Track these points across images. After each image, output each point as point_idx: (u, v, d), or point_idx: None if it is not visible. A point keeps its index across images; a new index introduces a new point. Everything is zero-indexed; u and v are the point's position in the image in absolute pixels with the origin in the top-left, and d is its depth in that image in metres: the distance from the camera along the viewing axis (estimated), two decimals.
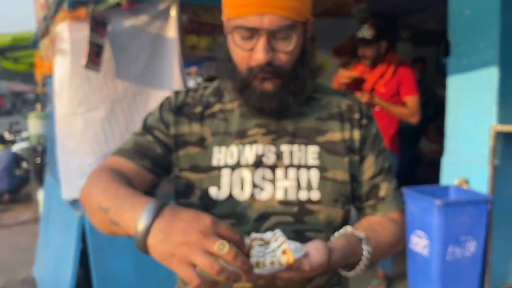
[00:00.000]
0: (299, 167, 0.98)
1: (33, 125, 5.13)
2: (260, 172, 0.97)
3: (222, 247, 0.68)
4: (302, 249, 0.81)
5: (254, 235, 0.83)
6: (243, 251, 0.73)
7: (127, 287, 2.62)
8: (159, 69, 2.65)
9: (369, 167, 1.03)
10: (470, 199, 2.76)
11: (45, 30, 3.19)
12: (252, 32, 0.91)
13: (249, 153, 0.98)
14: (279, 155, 0.99)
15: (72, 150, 2.57)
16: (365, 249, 0.92)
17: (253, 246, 0.79)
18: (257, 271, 0.75)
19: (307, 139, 1.00)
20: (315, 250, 0.83)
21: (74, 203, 2.79)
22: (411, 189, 2.95)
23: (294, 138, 1.00)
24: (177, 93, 1.09)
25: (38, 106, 5.32)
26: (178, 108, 1.04)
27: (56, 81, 2.60)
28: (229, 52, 0.98)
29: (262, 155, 0.98)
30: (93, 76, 2.49)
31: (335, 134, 1.01)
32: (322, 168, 0.98)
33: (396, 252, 1.08)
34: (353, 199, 1.04)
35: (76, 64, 2.47)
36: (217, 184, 0.97)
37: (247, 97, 0.97)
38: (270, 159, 0.98)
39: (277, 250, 0.78)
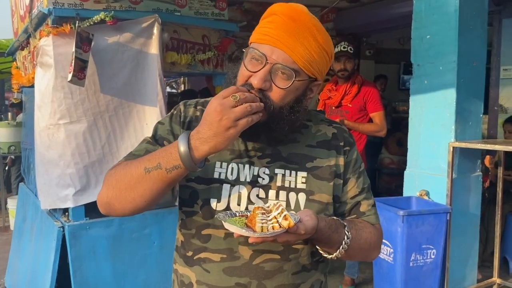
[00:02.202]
0: (289, 190, 1.11)
1: (3, 134, 5.07)
2: (255, 190, 1.10)
3: (235, 97, 0.92)
4: (297, 217, 0.96)
5: (257, 205, 0.97)
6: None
7: None
8: (141, 84, 2.74)
9: (351, 188, 1.17)
10: (431, 209, 2.99)
11: (25, 42, 3.22)
12: (261, 59, 1.02)
13: (247, 172, 1.11)
14: (272, 178, 1.11)
15: (53, 160, 2.61)
16: (347, 234, 1.05)
17: (257, 214, 0.93)
18: (262, 234, 0.90)
19: (298, 165, 1.13)
20: (307, 217, 0.97)
21: (53, 213, 2.83)
22: (376, 199, 3.14)
23: (287, 163, 1.12)
24: (186, 104, 1.20)
25: (9, 114, 5.25)
26: (189, 122, 1.16)
27: (37, 93, 2.63)
28: (237, 71, 1.10)
29: (258, 176, 1.11)
30: (75, 90, 2.55)
31: (323, 161, 1.14)
32: (309, 192, 1.11)
33: (373, 257, 1.21)
34: (335, 214, 1.16)
35: (59, 77, 2.52)
36: (217, 196, 1.09)
37: None
38: (264, 180, 1.11)
39: (279, 216, 0.92)
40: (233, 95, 0.92)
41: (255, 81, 1.01)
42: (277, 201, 1.00)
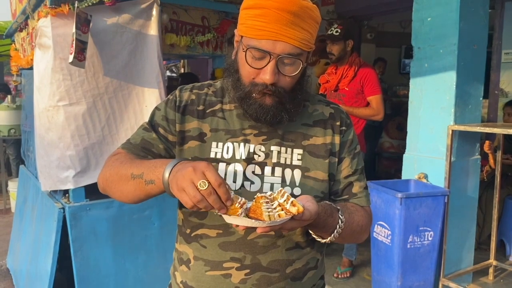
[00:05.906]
0: (284, 166, 1.12)
1: (3, 117, 5.07)
2: (251, 167, 1.11)
3: (203, 185, 0.86)
4: (300, 203, 0.95)
5: (259, 194, 0.95)
6: (223, 196, 0.88)
7: (107, 276, 2.70)
8: (140, 66, 2.73)
9: (345, 168, 1.18)
10: (429, 192, 3.01)
11: (23, 23, 3.20)
12: (264, 54, 1.03)
13: (243, 150, 1.12)
14: (268, 154, 1.13)
15: (52, 142, 2.61)
16: (340, 218, 1.06)
17: (261, 204, 0.92)
18: (271, 223, 0.90)
19: (293, 143, 1.15)
20: (308, 202, 0.97)
21: (54, 195, 2.84)
22: (375, 182, 3.17)
23: (283, 140, 1.14)
24: (182, 89, 1.22)
25: (9, 97, 5.24)
26: (184, 106, 1.17)
27: (36, 75, 2.63)
28: (236, 64, 1.11)
29: (254, 153, 1.12)
30: (75, 71, 2.54)
31: (319, 139, 1.16)
32: (304, 169, 1.13)
33: (362, 240, 1.23)
34: (329, 193, 1.18)
35: (58, 59, 2.51)
36: None
37: (247, 107, 1.09)
38: (260, 157, 1.12)
39: (285, 204, 0.92)
40: (202, 181, 0.86)
41: (267, 76, 1.03)
42: (281, 188, 0.99)
